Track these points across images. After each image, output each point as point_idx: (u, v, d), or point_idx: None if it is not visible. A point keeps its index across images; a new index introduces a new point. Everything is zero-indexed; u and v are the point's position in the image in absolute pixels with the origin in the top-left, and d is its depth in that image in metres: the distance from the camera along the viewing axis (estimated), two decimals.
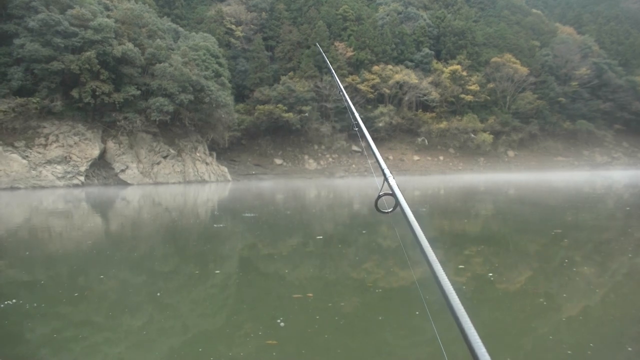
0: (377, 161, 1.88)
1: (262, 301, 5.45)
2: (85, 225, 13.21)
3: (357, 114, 2.39)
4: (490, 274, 6.37)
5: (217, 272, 7.13)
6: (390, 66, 62.76)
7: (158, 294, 5.79)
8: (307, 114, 54.76)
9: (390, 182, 1.67)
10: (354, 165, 57.04)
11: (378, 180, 1.80)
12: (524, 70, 66.34)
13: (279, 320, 4.53)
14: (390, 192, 1.63)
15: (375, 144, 2.01)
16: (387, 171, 1.76)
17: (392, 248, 8.93)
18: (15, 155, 33.25)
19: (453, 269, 6.85)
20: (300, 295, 5.44)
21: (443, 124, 61.99)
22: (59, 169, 34.53)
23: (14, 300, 5.36)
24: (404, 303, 5.34)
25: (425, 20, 70.92)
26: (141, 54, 38.95)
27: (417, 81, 61.35)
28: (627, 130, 71.70)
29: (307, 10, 65.79)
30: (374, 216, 14.78)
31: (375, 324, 4.55)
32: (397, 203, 1.56)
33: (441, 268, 1.12)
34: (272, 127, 55.51)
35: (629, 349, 3.93)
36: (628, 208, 16.07)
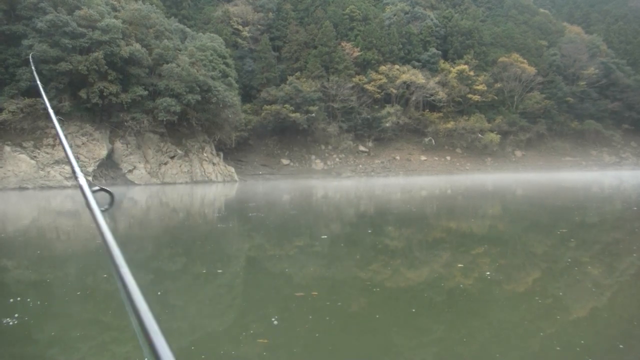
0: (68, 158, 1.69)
1: (262, 299, 5.46)
2: (93, 225, 13.28)
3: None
4: (489, 273, 6.34)
5: (220, 271, 7.15)
6: (397, 66, 62.58)
7: (159, 293, 5.82)
8: (314, 114, 54.72)
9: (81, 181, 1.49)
10: (360, 166, 56.98)
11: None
12: (531, 70, 65.92)
13: (273, 319, 4.55)
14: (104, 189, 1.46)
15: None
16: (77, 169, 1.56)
17: (399, 248, 8.92)
18: (23, 156, 33.50)
19: (455, 268, 6.83)
20: (303, 294, 5.44)
21: (450, 124, 61.72)
22: (67, 169, 34.72)
23: (19, 299, 5.40)
24: (404, 303, 5.33)
25: (432, 20, 70.69)
26: (148, 54, 39.11)
27: (424, 81, 61.13)
28: (636, 130, 71.00)
29: (313, 10, 65.79)
30: (378, 217, 14.77)
31: (371, 323, 4.55)
32: (113, 200, 1.41)
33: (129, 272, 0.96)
34: (279, 127, 55.53)
35: (620, 346, 3.91)
36: (635, 208, 15.94)
